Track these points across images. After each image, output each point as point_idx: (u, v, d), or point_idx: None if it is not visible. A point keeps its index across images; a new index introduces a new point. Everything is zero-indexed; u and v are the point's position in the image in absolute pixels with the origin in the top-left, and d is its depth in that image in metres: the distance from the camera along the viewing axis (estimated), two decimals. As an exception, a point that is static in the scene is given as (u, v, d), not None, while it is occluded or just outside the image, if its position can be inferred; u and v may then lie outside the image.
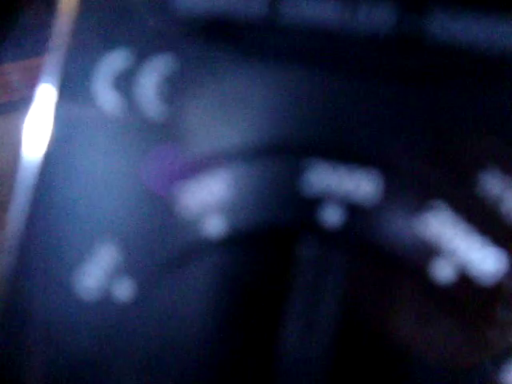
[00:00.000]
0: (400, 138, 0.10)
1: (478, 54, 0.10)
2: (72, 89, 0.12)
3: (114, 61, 0.11)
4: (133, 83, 0.11)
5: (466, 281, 0.10)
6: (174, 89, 0.11)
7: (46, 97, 0.12)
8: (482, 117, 0.10)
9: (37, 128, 0.12)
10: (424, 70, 0.11)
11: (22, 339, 0.11)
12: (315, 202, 0.11)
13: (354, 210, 0.10)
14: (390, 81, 0.10)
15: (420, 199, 0.10)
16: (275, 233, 0.11)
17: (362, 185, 0.11)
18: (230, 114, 0.11)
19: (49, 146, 0.12)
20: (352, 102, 0.11)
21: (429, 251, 0.10)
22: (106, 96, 0.11)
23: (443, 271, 0.10)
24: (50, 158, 0.12)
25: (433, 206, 0.10)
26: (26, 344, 0.11)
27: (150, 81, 0.11)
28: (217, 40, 0.11)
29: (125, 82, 0.11)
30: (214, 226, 0.11)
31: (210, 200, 0.11)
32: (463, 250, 0.10)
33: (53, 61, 0.12)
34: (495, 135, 0.10)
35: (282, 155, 0.11)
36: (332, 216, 0.10)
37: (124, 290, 0.11)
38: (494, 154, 0.10)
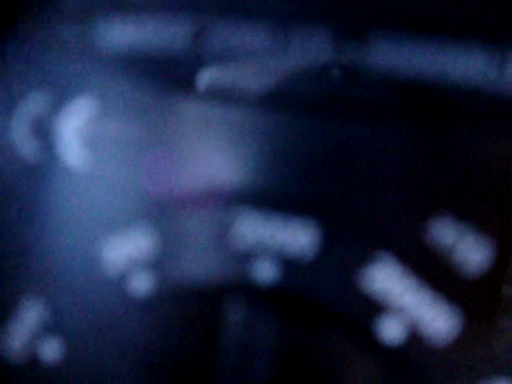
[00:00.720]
0: (339, 184, 0.09)
1: (422, 85, 0.09)
2: None
3: (32, 104, 0.11)
4: (51, 128, 0.10)
5: (417, 341, 0.09)
6: (96, 133, 0.10)
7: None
8: (431, 158, 0.09)
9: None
10: (364, 104, 0.09)
11: None
12: (247, 256, 0.10)
13: (289, 265, 0.09)
14: (326, 121, 0.09)
15: (363, 251, 0.09)
16: (204, 290, 0.10)
17: (297, 237, 0.09)
18: (156, 160, 0.10)
19: None
20: (286, 146, 0.10)
21: (374, 308, 0.09)
22: (23, 142, 0.11)
23: (391, 330, 0.09)
24: None
25: (377, 258, 0.09)
26: None
27: (70, 125, 0.10)
28: (140, 78, 0.10)
29: (43, 127, 0.10)
30: (141, 283, 0.10)
31: (136, 255, 0.10)
32: (413, 307, 0.09)
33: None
34: (446, 178, 0.09)
35: (210, 205, 0.10)
36: (265, 271, 0.09)
37: (51, 351, 0.10)
38: (445, 200, 0.09)
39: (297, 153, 0.10)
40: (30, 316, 0.11)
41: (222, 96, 0.10)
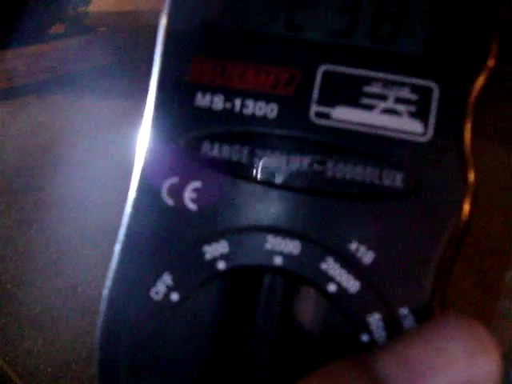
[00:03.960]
0: None
1: None
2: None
3: None
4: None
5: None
6: None
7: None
8: None
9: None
10: None
11: (116, 330, 0.20)
12: (271, 255, 0.19)
13: (290, 258, 0.19)
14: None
15: None
16: (252, 271, 0.19)
17: (291, 247, 0.19)
18: None
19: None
20: None
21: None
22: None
23: None
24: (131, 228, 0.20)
25: None
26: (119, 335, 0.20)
27: None
28: None
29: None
30: (222, 266, 0.19)
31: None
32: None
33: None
34: None
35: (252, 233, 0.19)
36: (277, 262, 0.19)
37: (174, 297, 0.19)
38: None
39: None
40: (164, 277, 0.19)
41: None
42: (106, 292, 0.20)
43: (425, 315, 0.18)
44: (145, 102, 0.20)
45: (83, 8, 3.23)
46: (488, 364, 0.15)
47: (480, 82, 0.18)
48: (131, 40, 3.25)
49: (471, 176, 0.18)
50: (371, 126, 0.19)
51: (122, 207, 0.20)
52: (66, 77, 3.01)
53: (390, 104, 0.18)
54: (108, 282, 0.20)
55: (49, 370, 1.34)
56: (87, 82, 2.98)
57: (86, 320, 1.45)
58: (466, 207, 0.18)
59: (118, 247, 0.20)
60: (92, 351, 1.34)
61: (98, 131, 2.53)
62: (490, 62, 0.18)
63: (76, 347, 1.38)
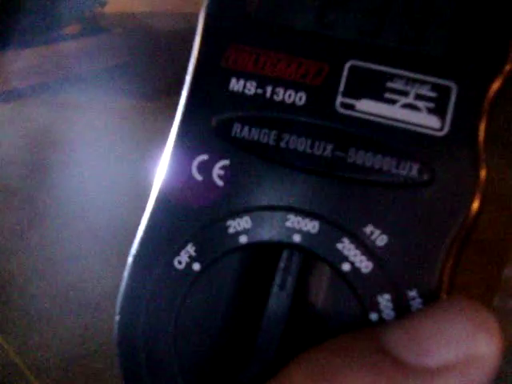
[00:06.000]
0: None
1: None
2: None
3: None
4: None
5: None
6: None
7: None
8: None
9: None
10: None
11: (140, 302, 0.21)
12: (291, 232, 0.21)
13: (308, 237, 0.21)
14: None
15: None
16: (271, 247, 0.21)
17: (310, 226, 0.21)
18: None
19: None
20: None
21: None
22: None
23: None
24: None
25: None
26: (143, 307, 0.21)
27: None
28: None
29: None
30: (244, 240, 0.21)
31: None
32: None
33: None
34: None
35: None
36: (296, 240, 0.21)
37: (195, 267, 0.21)
38: None
39: None
40: (187, 249, 0.21)
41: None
42: (130, 259, 0.21)
43: (433, 299, 0.19)
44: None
45: (99, 9, 3.27)
46: (489, 343, 0.17)
47: (496, 84, 0.20)
48: (145, 41, 3.28)
49: (483, 172, 0.19)
50: (392, 119, 0.20)
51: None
52: (81, 76, 3.04)
53: (410, 100, 0.20)
54: (133, 249, 0.21)
55: (58, 363, 1.36)
56: (101, 82, 3.01)
57: (95, 315, 1.47)
58: (476, 202, 0.19)
59: (146, 215, 0.21)
60: (101, 346, 1.36)
61: (111, 130, 2.55)
62: (508, 66, 0.20)
63: (85, 341, 1.40)
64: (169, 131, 0.22)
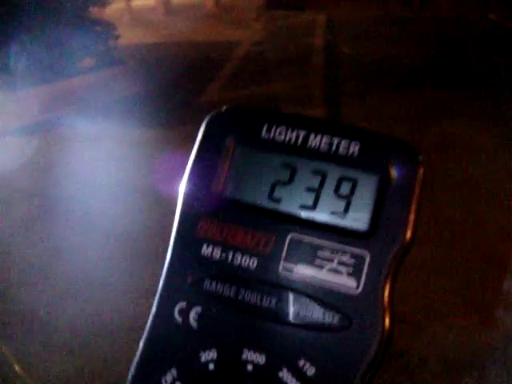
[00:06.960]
0: None
1: None
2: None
3: None
4: None
5: None
6: None
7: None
8: None
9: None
10: None
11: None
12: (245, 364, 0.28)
13: (258, 367, 0.27)
14: None
15: None
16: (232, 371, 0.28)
17: (259, 359, 0.28)
18: None
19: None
20: None
21: None
22: None
23: None
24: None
25: None
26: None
27: None
28: None
29: None
30: (211, 368, 0.28)
31: None
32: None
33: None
34: None
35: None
36: (249, 369, 0.27)
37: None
38: None
39: None
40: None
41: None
42: (129, 375, 0.29)
43: None
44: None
45: (113, 42, 3.38)
46: None
47: (399, 252, 0.26)
48: (157, 71, 3.38)
49: (387, 321, 0.26)
50: (321, 280, 0.27)
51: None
52: (96, 107, 3.15)
53: (334, 265, 0.27)
54: (131, 370, 0.29)
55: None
56: (117, 113, 3.11)
57: (114, 348, 1.54)
58: (382, 344, 0.26)
59: (140, 346, 0.29)
60: (119, 378, 1.42)
61: (129, 159, 2.65)
62: (407, 234, 0.27)
63: (103, 373, 1.47)
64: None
